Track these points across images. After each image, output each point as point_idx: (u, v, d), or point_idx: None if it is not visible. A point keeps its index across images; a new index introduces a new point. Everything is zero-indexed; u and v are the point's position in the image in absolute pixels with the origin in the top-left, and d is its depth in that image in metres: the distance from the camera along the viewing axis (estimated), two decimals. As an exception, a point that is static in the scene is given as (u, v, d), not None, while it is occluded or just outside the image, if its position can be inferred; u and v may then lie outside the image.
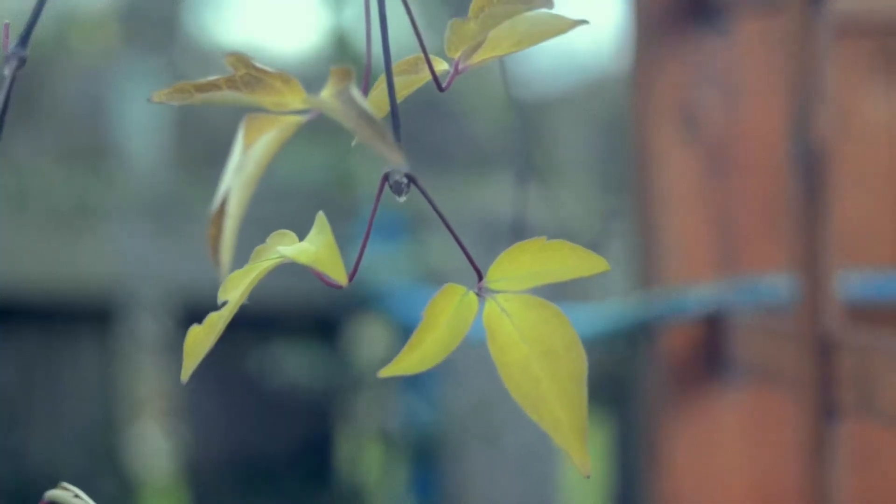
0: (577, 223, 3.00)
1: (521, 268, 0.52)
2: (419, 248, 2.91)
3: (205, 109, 2.82)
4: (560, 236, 0.53)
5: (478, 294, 0.52)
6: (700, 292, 1.64)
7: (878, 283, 1.61)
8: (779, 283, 1.56)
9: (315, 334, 3.04)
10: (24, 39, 0.50)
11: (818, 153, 1.29)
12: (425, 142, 3.37)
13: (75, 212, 3.04)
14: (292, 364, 2.99)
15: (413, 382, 2.88)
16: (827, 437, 1.28)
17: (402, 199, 0.51)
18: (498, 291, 0.52)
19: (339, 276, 0.49)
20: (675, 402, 1.65)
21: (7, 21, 0.52)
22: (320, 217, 0.51)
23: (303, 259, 0.50)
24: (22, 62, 0.50)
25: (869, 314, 1.57)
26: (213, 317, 0.53)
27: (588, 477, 0.48)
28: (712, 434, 1.65)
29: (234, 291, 0.52)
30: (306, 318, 3.03)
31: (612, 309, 1.79)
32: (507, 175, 2.98)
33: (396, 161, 0.45)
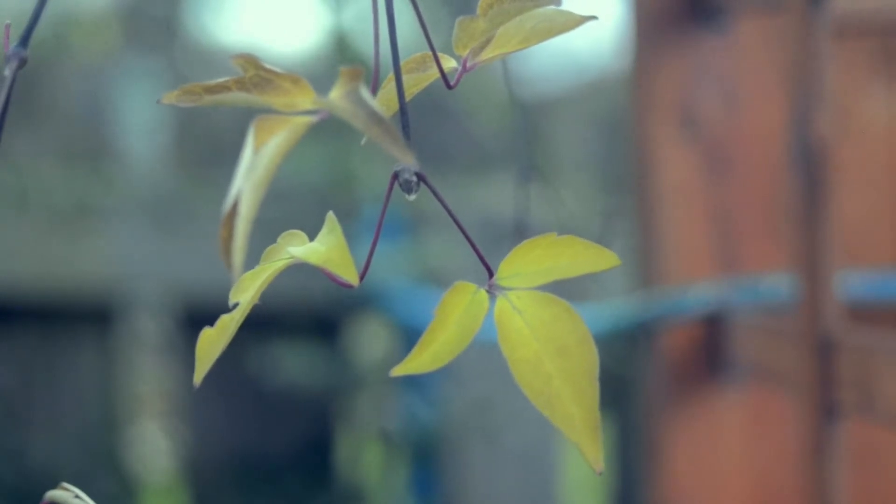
0: (578, 223, 3.00)
1: (531, 264, 0.52)
2: (419, 248, 2.91)
3: (205, 109, 2.83)
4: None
5: (489, 291, 0.52)
6: (700, 292, 1.64)
7: (878, 283, 1.61)
8: (779, 283, 1.56)
9: (315, 334, 3.04)
10: (25, 40, 0.50)
11: (818, 153, 1.29)
12: (426, 141, 3.38)
13: (75, 212, 3.04)
14: (292, 364, 2.99)
15: (413, 382, 2.88)
16: (827, 437, 1.28)
17: (412, 197, 0.51)
18: (509, 288, 0.52)
19: (350, 276, 0.49)
20: (676, 402, 1.65)
21: (8, 21, 0.52)
22: (330, 217, 0.51)
23: (314, 259, 0.50)
24: (22, 62, 0.50)
25: (869, 314, 1.57)
26: (224, 319, 0.53)
27: (600, 473, 0.48)
28: (712, 434, 1.66)
29: (246, 293, 0.52)
30: (306, 318, 3.03)
31: (612, 309, 1.80)
32: (507, 175, 2.98)
33: (407, 160, 0.45)
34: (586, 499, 3.25)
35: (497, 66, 0.63)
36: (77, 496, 0.58)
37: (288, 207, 2.73)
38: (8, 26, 0.52)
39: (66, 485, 0.59)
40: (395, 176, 0.51)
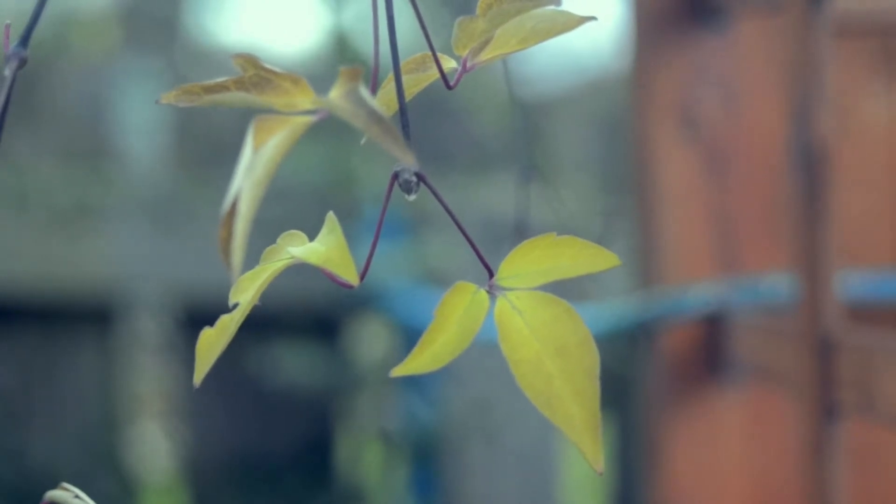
0: (578, 223, 3.00)
1: (531, 265, 0.52)
2: (419, 248, 2.91)
3: (205, 110, 2.83)
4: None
5: (489, 292, 0.52)
6: (700, 292, 1.64)
7: (878, 283, 1.61)
8: (779, 283, 1.56)
9: (315, 334, 3.04)
10: (25, 40, 0.50)
11: (818, 153, 1.29)
12: (427, 141, 3.38)
13: (75, 212, 3.04)
14: (292, 364, 2.99)
15: (413, 382, 2.89)
16: (827, 437, 1.28)
17: (412, 197, 0.51)
18: (509, 289, 0.52)
19: (350, 276, 0.49)
20: (676, 402, 1.65)
21: (7, 21, 0.52)
22: (330, 217, 0.51)
23: (313, 259, 0.50)
24: (22, 62, 0.50)
25: (869, 314, 1.57)
26: (224, 319, 0.53)
27: (601, 473, 0.48)
28: (712, 434, 1.66)
29: (246, 293, 0.52)
30: (306, 318, 3.03)
31: (612, 309, 1.80)
32: (507, 175, 2.98)
33: (407, 160, 0.45)
34: (586, 499, 3.25)
35: (497, 66, 0.63)
36: (77, 496, 0.58)
37: (288, 207, 2.73)
38: (8, 26, 0.52)
39: (66, 485, 0.59)
40: (395, 176, 0.51)
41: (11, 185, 3.12)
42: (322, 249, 0.50)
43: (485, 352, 1.01)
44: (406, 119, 0.53)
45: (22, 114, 3.31)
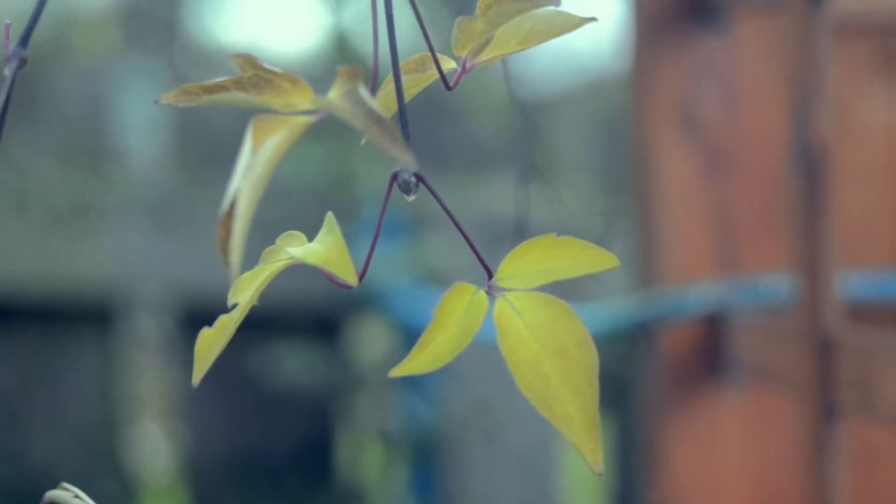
0: (578, 223, 3.00)
1: (530, 265, 0.52)
2: (419, 248, 2.91)
3: (205, 109, 2.82)
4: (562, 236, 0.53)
5: (488, 292, 0.52)
6: (700, 292, 1.64)
7: (878, 283, 1.61)
8: (779, 283, 1.56)
9: (315, 334, 3.04)
10: (25, 39, 0.50)
11: (818, 153, 1.29)
12: (426, 141, 3.38)
13: (75, 212, 3.04)
14: (292, 364, 2.99)
15: (413, 382, 2.88)
16: (827, 437, 1.28)
17: (411, 198, 0.51)
18: (508, 289, 0.52)
19: (348, 276, 0.49)
20: (676, 402, 1.65)
21: (7, 21, 0.52)
22: (329, 217, 0.51)
23: (312, 260, 0.50)
24: (22, 62, 0.50)
25: (869, 314, 1.57)
26: (223, 319, 0.53)
27: (600, 474, 0.48)
28: (712, 434, 1.66)
29: (245, 293, 0.52)
30: (306, 318, 3.03)
31: (612, 309, 1.80)
32: (507, 175, 2.98)
33: (406, 160, 0.45)
34: (586, 499, 3.25)
35: (497, 66, 0.63)
36: (77, 496, 0.58)
37: (287, 207, 2.73)
38: (8, 26, 0.52)
39: (66, 485, 0.59)
40: (394, 176, 0.51)
41: (11, 185, 3.12)
42: (321, 250, 0.50)
43: (485, 352, 1.01)
44: (405, 119, 0.53)
45: (22, 114, 3.31)
